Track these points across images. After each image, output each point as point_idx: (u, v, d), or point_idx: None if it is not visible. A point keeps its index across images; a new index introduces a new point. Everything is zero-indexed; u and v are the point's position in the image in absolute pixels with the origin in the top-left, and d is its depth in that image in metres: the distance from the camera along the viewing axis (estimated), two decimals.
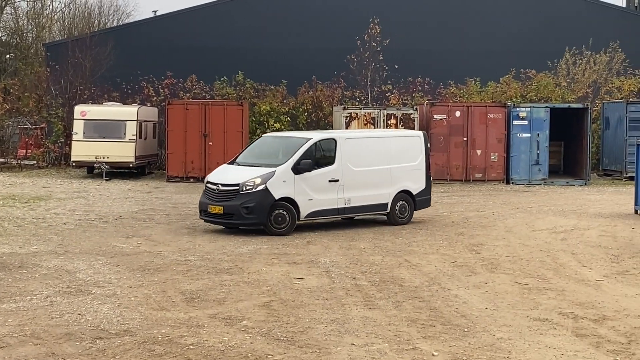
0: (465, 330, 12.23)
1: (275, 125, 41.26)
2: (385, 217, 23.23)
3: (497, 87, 43.86)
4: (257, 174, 20.87)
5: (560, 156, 39.86)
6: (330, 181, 21.67)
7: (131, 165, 37.24)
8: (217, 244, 19.61)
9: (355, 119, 35.64)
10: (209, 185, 21.39)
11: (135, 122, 37.15)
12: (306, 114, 42.93)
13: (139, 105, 39.73)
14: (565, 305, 13.85)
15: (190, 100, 40.19)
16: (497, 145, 36.79)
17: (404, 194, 23.32)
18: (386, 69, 43.74)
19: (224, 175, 21.55)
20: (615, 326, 12.56)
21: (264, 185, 20.61)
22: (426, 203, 24.22)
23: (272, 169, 20.96)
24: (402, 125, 35.45)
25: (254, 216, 20.62)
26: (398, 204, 23.14)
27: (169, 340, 11.50)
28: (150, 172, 40.14)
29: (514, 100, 40.99)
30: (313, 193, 21.33)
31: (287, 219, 20.96)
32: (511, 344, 11.55)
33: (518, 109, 37.00)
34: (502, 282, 15.65)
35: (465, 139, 36.78)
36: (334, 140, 22.23)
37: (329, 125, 41.22)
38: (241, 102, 37.66)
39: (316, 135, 22.36)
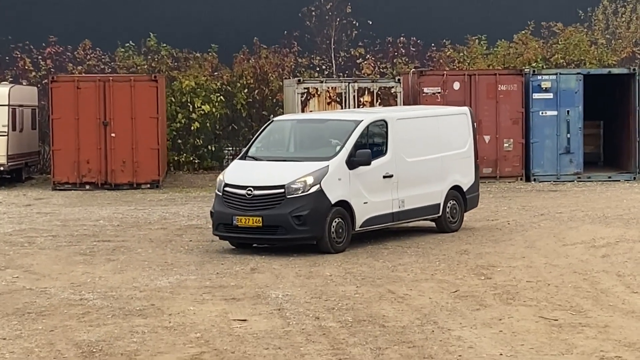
0: None
1: (203, 107, 41.15)
2: (434, 222, 23.81)
3: (510, 47, 44.13)
4: (304, 170, 20.73)
5: (600, 142, 40.10)
6: (384, 177, 21.76)
7: (2, 168, 36.97)
8: (124, 275, 19.54)
9: (314, 96, 35.62)
10: (231, 189, 21.05)
11: (7, 107, 36.86)
12: (246, 90, 42.84)
13: (11, 85, 39.45)
14: (609, 348, 13.96)
15: (84, 75, 39.99)
16: (513, 129, 36.97)
17: (455, 191, 23.95)
18: (356, 26, 43.86)
19: (251, 174, 21.28)
20: None
21: (318, 185, 20.44)
22: (475, 201, 25.17)
23: (323, 163, 20.82)
24: (379, 104, 35.51)
25: (308, 228, 20.42)
26: (449, 205, 23.73)
27: None
28: (29, 177, 39.88)
29: (534, 65, 41.24)
30: (367, 194, 21.36)
31: (345, 230, 21.02)
32: None
33: (540, 77, 37.19)
34: (523, 318, 15.76)
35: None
36: (385, 122, 22.31)
37: (278, 106, 41.23)
38: (155, 77, 37.53)
39: (366, 117, 22.31)
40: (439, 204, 23.37)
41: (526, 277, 19.01)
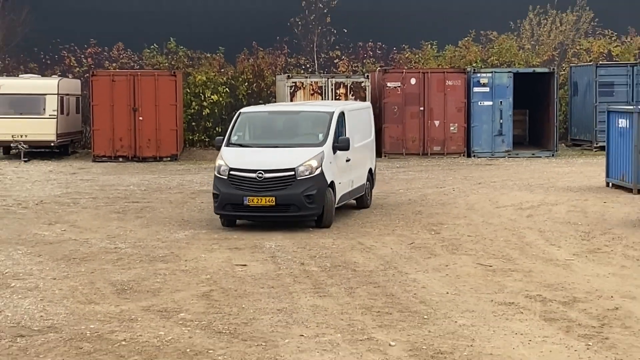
0: (425, 317, 12.32)
1: (212, 97, 41.17)
2: (355, 201, 22.38)
3: (456, 51, 44.10)
4: (307, 155, 19.25)
5: (525, 126, 40.17)
6: (346, 161, 20.71)
7: (52, 144, 36.85)
8: (150, 230, 19.53)
9: (300, 88, 35.61)
10: (239, 173, 19.08)
11: (56, 96, 36.71)
12: (246, 84, 42.84)
13: (60, 78, 39.30)
14: (532, 288, 13.99)
15: (117, 70, 39.86)
16: (457, 115, 36.98)
17: (368, 173, 22.89)
18: (334, 33, 43.75)
19: (256, 159, 19.42)
20: (586, 309, 12.72)
21: (320, 167, 19.08)
22: (374, 182, 24.12)
23: (319, 149, 19.46)
24: (352, 95, 35.49)
25: (315, 205, 18.96)
26: (367, 184, 22.71)
27: (99, 336, 11.44)
28: (74, 152, 39.74)
29: (474, 65, 41.27)
30: (340, 175, 20.26)
31: (333, 206, 19.76)
32: (474, 330, 11.65)
33: (479, 74, 37.23)
34: (464, 264, 15.79)
35: (421, 108, 36.91)
36: (343, 114, 21.18)
37: (271, 97, 41.16)
38: (174, 72, 37.45)
39: (333, 109, 20.95)
40: (364, 184, 22.37)
41: (467, 232, 19.04)
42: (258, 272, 15.17)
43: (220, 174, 19.23)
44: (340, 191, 20.08)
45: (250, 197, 18.69)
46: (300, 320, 12.14)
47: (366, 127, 23.10)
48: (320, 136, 19.88)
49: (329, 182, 19.25)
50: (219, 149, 20.13)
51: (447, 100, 36.93)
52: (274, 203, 18.70)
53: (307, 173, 18.85)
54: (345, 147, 20.03)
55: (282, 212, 19.01)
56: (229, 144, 19.99)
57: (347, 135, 20.51)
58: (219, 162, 19.50)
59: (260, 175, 18.78)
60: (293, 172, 18.84)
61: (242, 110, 21.41)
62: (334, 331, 11.62)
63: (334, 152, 19.80)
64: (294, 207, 18.81)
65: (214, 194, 19.37)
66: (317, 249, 17.05)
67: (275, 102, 38.15)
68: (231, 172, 19.06)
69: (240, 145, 20.03)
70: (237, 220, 19.73)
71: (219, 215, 19.61)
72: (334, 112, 20.48)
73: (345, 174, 20.41)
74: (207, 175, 30.51)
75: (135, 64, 43.46)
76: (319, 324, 11.98)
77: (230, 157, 19.46)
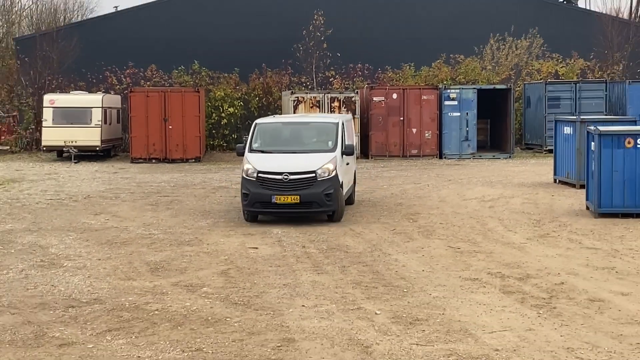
0: (405, 290, 12.32)
1: (229, 109, 41.17)
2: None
3: (430, 71, 44.03)
4: (323, 159, 18.59)
5: (487, 132, 40.21)
6: (347, 164, 20.17)
7: (97, 148, 36.82)
8: (178, 219, 19.52)
9: (302, 102, 35.59)
10: (266, 175, 18.29)
11: (100, 109, 36.71)
12: (257, 98, 42.81)
13: (104, 94, 39.29)
14: (493, 266, 14.01)
15: (151, 88, 39.78)
16: (431, 124, 36.95)
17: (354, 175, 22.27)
18: (329, 56, 43.66)
19: (280, 163, 18.61)
20: (537, 283, 12.74)
21: (335, 170, 18.50)
22: (355, 183, 22.78)
23: (332, 154, 18.81)
24: (344, 108, 35.48)
25: (332, 203, 18.34)
26: (354, 184, 22.12)
27: (136, 307, 11.45)
28: (115, 155, 39.72)
29: (445, 82, 41.21)
30: (344, 176, 19.49)
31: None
32: (445, 301, 11.66)
33: (448, 90, 37.19)
34: (437, 247, 15.79)
35: (401, 118, 36.89)
36: (343, 124, 20.37)
37: (278, 109, 41.13)
38: (197, 89, 37.39)
39: (335, 120, 20.28)
40: (354, 184, 21.95)
41: (439, 220, 19.04)
42: (267, 254, 15.18)
43: (248, 176, 18.46)
44: (344, 190, 19.66)
45: (278, 196, 18.10)
46: (302, 293, 12.15)
47: (351, 134, 22.92)
48: (330, 143, 19.29)
49: (340, 183, 18.83)
50: (240, 155, 19.48)
51: (422, 112, 36.90)
52: (298, 201, 18.13)
53: (325, 175, 18.29)
54: (351, 152, 19.67)
55: (305, 209, 18.41)
56: (251, 150, 19.21)
57: (347, 142, 20.05)
58: (246, 165, 18.67)
59: (285, 177, 18.16)
60: (314, 174, 18.24)
61: (257, 121, 20.46)
62: (330, 302, 11.63)
63: (342, 157, 19.33)
64: (315, 204, 18.26)
65: (243, 193, 18.55)
66: (315, 235, 17.05)
67: (281, 113, 38.12)
68: (259, 174, 18.31)
69: (262, 152, 19.18)
70: (259, 216, 19.00)
71: (243, 212, 19.00)
72: (338, 122, 19.91)
73: (346, 176, 20.05)
74: (225, 174, 30.52)
75: (165, 83, 43.39)
76: (317, 296, 11.99)
77: (257, 161, 18.65)
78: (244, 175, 18.60)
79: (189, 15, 45.25)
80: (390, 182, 27.13)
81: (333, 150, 19.01)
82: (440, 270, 13.73)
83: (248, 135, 20.07)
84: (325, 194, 18.16)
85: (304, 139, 20.14)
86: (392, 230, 17.70)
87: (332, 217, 18.69)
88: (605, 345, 9.69)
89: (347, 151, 19.37)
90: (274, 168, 18.41)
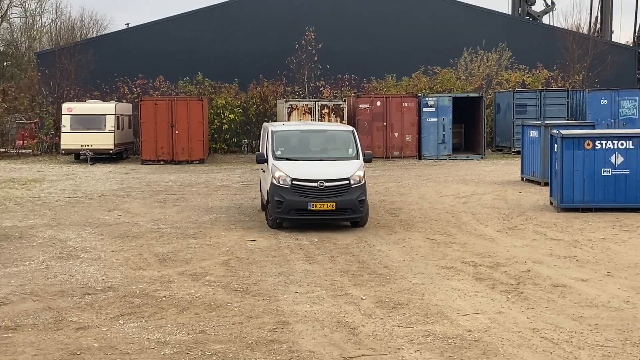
0: (387, 278, 12.33)
1: (230, 116, 41.12)
2: None
3: (410, 81, 44.05)
4: (353, 167, 17.04)
5: (461, 136, 40.19)
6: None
7: (111, 151, 36.75)
8: (184, 215, 19.49)
9: (295, 109, 35.51)
10: (301, 183, 16.54)
11: (114, 116, 36.62)
12: (255, 106, 42.74)
13: (116, 102, 39.18)
14: (466, 256, 14.04)
15: (159, 97, 39.69)
16: (411, 128, 36.98)
17: None
18: (320, 68, 43.65)
19: (312, 171, 16.83)
20: (506, 271, 12.77)
21: (364, 177, 17.15)
22: None
23: (358, 162, 17.27)
24: (334, 114, 35.44)
25: (363, 208, 16.88)
26: None
27: (146, 294, 11.43)
28: (127, 157, 39.61)
29: (423, 91, 41.24)
30: None
31: None
32: (424, 287, 11.68)
33: (427, 98, 37.21)
34: (416, 239, 15.81)
35: (385, 123, 36.90)
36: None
37: (274, 115, 41.09)
38: (201, 98, 37.32)
39: (349, 128, 18.77)
40: None
41: (419, 215, 19.06)
42: (264, 246, 15.17)
43: (281, 184, 16.63)
44: None
45: (314, 203, 16.40)
46: (295, 281, 12.14)
47: None
48: (351, 151, 17.70)
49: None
50: (261, 162, 17.94)
51: (403, 118, 36.91)
52: (334, 207, 16.46)
53: (357, 182, 16.73)
54: (370, 160, 17.70)
55: (340, 215, 16.70)
56: (277, 158, 17.27)
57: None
58: (278, 173, 16.76)
59: (321, 184, 16.44)
60: (348, 181, 16.61)
61: (273, 128, 18.19)
62: (320, 289, 11.63)
63: None
64: (349, 210, 16.63)
65: (277, 200, 16.60)
66: (306, 229, 17.02)
67: (277, 119, 38.11)
68: (294, 182, 16.54)
69: (288, 159, 17.23)
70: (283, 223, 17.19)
71: (270, 218, 17.15)
72: (353, 130, 18.35)
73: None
74: (226, 174, 30.48)
75: (172, 92, 43.31)
76: (309, 283, 11.99)
77: (288, 169, 16.82)
78: (276, 183, 16.71)
79: (193, 31, 45.24)
80: (374, 181, 27.13)
81: (357, 157, 17.49)
82: (420, 259, 13.75)
83: (255, 140, 19.32)
84: (359, 201, 16.65)
85: (326, 146, 18.40)
86: (376, 224, 17.69)
87: (358, 223, 17.19)
88: (567, 326, 9.73)
89: (367, 158, 17.60)
90: (307, 175, 16.67)
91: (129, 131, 39.98)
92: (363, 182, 16.86)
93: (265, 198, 17.74)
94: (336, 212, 16.55)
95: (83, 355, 8.79)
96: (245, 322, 9.94)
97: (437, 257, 13.96)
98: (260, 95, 43.01)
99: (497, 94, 42.09)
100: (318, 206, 16.45)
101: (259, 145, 19.44)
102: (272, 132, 17.98)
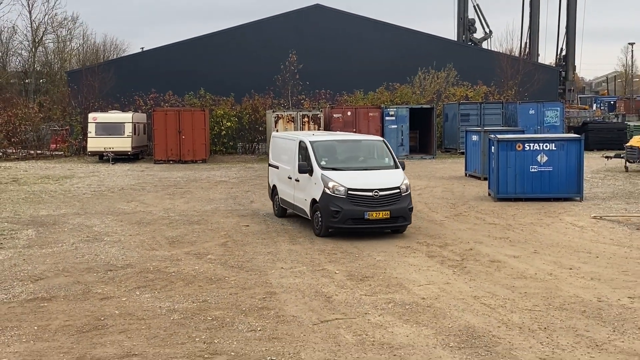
0: (356, 256, 12.36)
1: (227, 124, 40.89)
2: None
3: (374, 95, 44.06)
4: (399, 176, 14.74)
5: (417, 140, 40.16)
6: None
7: (129, 153, 36.44)
8: (189, 205, 19.39)
9: (281, 118, 35.37)
10: (357, 192, 14.08)
11: (131, 123, 36.33)
12: (248, 115, 42.50)
13: (133, 112, 38.88)
14: (420, 237, 14.08)
15: (168, 108, 39.43)
16: (376, 134, 36.69)
17: None
18: (301, 84, 43.59)
19: (366, 180, 14.36)
20: (453, 249, 12.83)
21: (409, 185, 14.82)
22: None
23: (400, 170, 15.00)
24: (313, 123, 35.36)
25: (410, 216, 14.62)
26: None
27: (158, 270, 11.38)
28: (142, 158, 39.28)
29: (386, 103, 41.26)
30: None
31: None
32: (386, 263, 11.71)
33: (388, 109, 37.22)
34: None
35: (354, 130, 36.80)
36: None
37: (263, 124, 40.93)
38: (203, 109, 37.10)
39: (379, 137, 16.60)
40: None
41: None
42: (256, 230, 15.14)
43: (336, 194, 14.12)
44: None
45: (370, 212, 13.96)
46: (281, 259, 12.14)
47: None
48: (387, 160, 15.38)
49: None
50: (305, 172, 14.92)
51: (369, 125, 36.87)
52: (389, 216, 14.08)
53: (405, 190, 14.47)
54: (403, 167, 15.28)
55: (394, 223, 14.29)
56: (323, 168, 14.64)
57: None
58: (331, 183, 14.22)
59: (376, 193, 14.04)
60: (399, 190, 14.31)
61: (310, 139, 15.46)
62: (301, 265, 11.63)
63: None
64: (401, 218, 14.31)
65: (334, 211, 14.05)
66: (292, 216, 16.99)
67: (266, 127, 37.95)
68: (349, 192, 14.08)
69: (334, 169, 14.65)
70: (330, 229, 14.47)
71: (323, 227, 14.33)
72: (384, 140, 16.08)
73: None
74: (224, 172, 30.33)
75: (179, 104, 43.05)
76: (292, 261, 11.98)
77: (342, 179, 14.28)
78: (330, 193, 14.18)
79: (197, 54, 45.06)
80: None
81: (396, 166, 15.16)
82: (383, 241, 13.76)
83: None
84: (409, 208, 14.45)
85: (365, 156, 15.77)
86: None
87: (399, 230, 14.75)
88: (502, 294, 9.80)
89: (403, 167, 15.31)
90: (362, 185, 14.23)
91: (144, 136, 39.68)
92: (409, 190, 14.67)
93: (305, 202, 15.22)
94: (390, 220, 14.20)
95: (106, 320, 8.74)
96: (240, 293, 9.92)
97: (396, 238, 13.99)
98: (252, 106, 42.77)
99: (445, 105, 42.19)
100: (374, 215, 14.05)
101: (266, 150, 17.47)
102: (311, 142, 15.30)
